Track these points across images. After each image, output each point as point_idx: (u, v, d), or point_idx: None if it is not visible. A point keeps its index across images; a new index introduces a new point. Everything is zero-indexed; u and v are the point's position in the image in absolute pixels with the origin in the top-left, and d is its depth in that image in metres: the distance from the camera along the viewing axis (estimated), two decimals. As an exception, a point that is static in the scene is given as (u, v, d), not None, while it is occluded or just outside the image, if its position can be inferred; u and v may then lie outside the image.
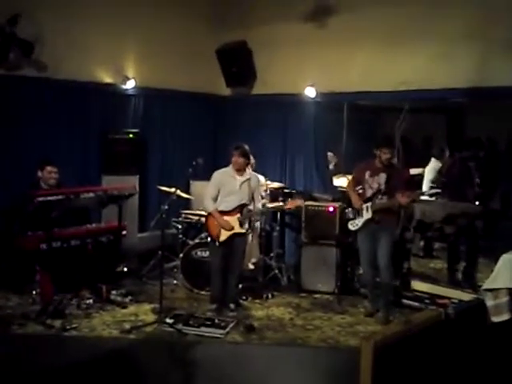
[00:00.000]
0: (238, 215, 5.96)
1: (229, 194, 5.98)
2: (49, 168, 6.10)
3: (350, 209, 6.08)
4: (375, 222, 5.83)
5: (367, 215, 5.85)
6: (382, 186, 5.81)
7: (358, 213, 5.93)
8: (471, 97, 6.43)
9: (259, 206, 6.18)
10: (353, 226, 5.99)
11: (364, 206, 5.88)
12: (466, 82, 6.10)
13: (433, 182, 7.53)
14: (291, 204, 6.37)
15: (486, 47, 5.98)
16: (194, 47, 8.01)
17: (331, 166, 7.85)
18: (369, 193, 5.91)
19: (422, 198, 7.35)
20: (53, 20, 6.55)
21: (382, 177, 5.83)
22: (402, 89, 6.52)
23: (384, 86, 6.74)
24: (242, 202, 5.99)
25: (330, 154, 7.85)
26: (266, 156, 7.72)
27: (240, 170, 6.00)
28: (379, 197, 5.83)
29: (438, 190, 6.22)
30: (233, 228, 5.93)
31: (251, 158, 6.33)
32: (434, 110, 8.54)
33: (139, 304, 6.17)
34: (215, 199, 6.02)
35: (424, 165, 7.91)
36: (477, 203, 6.73)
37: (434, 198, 7.30)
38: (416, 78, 6.42)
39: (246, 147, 6.02)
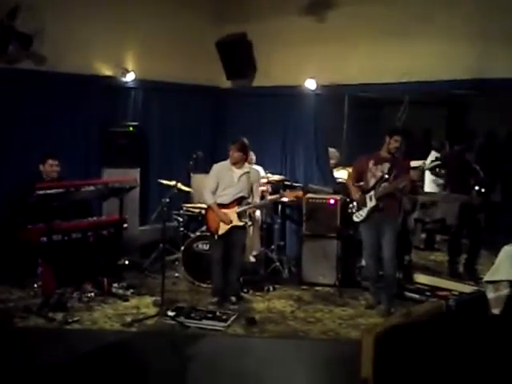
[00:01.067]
0: (236, 208, 5.96)
1: (227, 187, 5.97)
2: (50, 161, 6.12)
3: (353, 203, 6.07)
4: (379, 210, 5.80)
5: (371, 204, 5.83)
6: (386, 175, 5.80)
7: (361, 204, 5.92)
8: (472, 88, 6.41)
9: (257, 200, 6.18)
10: (357, 217, 5.96)
11: (367, 195, 5.86)
12: (468, 73, 6.08)
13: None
14: (289, 195, 6.37)
15: (487, 39, 5.95)
16: (193, 39, 7.99)
17: (332, 162, 7.78)
18: (372, 182, 5.88)
19: (426, 189, 7.40)
20: (52, 13, 6.51)
21: (386, 166, 5.81)
22: (402, 81, 6.50)
23: (385, 78, 6.71)
24: (240, 194, 5.98)
25: (331, 149, 7.78)
26: (266, 148, 7.70)
27: (237, 164, 5.98)
28: (382, 185, 5.81)
29: (439, 162, 6.20)
30: (231, 221, 5.93)
31: (251, 153, 6.29)
32: (435, 103, 8.52)
33: (141, 297, 6.18)
34: (214, 192, 6.01)
35: (424, 157, 7.90)
36: (482, 190, 6.74)
37: (436, 182, 7.33)
38: (417, 70, 6.40)
39: (245, 141, 5.98)
